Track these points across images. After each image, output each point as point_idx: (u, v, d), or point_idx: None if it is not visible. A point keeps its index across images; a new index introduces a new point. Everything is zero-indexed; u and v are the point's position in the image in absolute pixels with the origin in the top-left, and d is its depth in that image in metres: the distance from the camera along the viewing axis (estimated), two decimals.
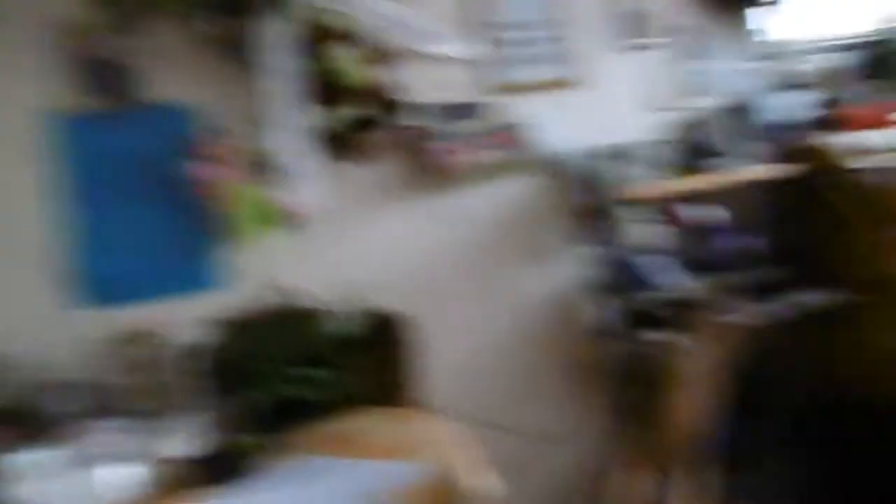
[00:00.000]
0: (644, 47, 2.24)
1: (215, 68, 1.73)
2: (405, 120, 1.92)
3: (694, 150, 2.07)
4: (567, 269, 2.09)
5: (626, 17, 2.23)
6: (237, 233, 1.70)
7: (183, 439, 1.24)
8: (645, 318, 1.88)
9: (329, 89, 1.80)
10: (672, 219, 1.94)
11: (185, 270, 1.72)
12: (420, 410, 1.52)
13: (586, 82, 2.17)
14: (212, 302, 1.64)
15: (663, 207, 1.97)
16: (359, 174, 1.91)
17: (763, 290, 2.00)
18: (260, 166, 1.72)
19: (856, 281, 1.95)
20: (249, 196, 1.69)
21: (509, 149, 1.99)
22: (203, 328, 1.55)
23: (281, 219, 1.73)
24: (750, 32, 2.35)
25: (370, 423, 1.39)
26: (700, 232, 1.99)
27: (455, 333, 1.92)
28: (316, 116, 1.77)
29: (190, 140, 1.67)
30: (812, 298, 1.98)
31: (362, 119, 1.86)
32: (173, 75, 1.70)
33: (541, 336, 2.06)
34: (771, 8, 2.26)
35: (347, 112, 1.83)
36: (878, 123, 2.13)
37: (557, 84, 2.15)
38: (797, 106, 2.28)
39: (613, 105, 2.19)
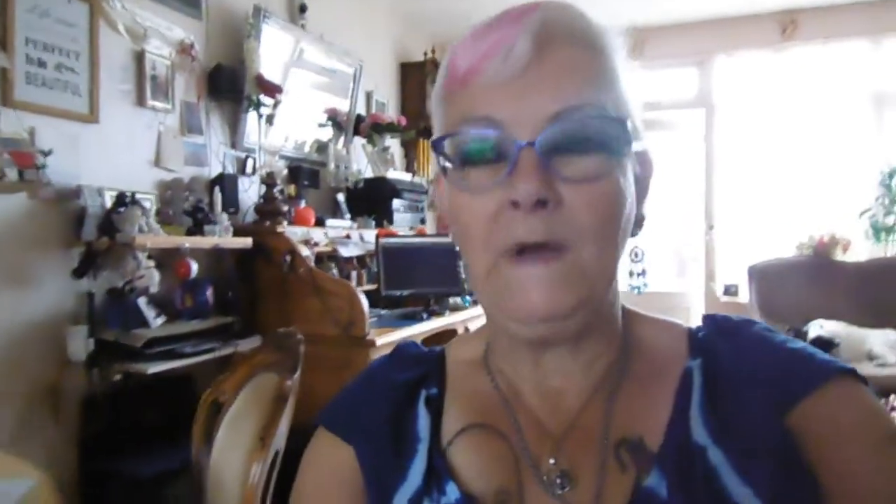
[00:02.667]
0: (156, 109, 2.51)
1: None
2: None
3: (189, 211, 2.45)
4: (56, 299, 2.10)
5: (145, 77, 2.46)
6: None
7: None
8: (129, 352, 2.10)
9: None
10: (177, 267, 2.25)
11: None
12: None
13: (103, 123, 2.28)
14: None
15: (172, 257, 2.26)
16: None
17: (214, 334, 2.50)
18: None
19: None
20: None
21: (15, 167, 1.92)
22: None
23: None
24: (239, 125, 2.92)
25: None
26: (191, 283, 2.36)
27: None
28: None
29: None
30: (247, 343, 2.59)
31: None
32: None
33: (15, 361, 1.99)
34: (259, 112, 2.89)
35: None
36: (309, 222, 3.00)
37: (76, 117, 2.19)
38: (259, 193, 2.96)
39: (125, 152, 2.37)
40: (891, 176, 4.27)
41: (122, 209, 2.13)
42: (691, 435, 0.48)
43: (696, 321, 0.57)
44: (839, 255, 4.27)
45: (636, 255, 0.56)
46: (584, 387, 0.52)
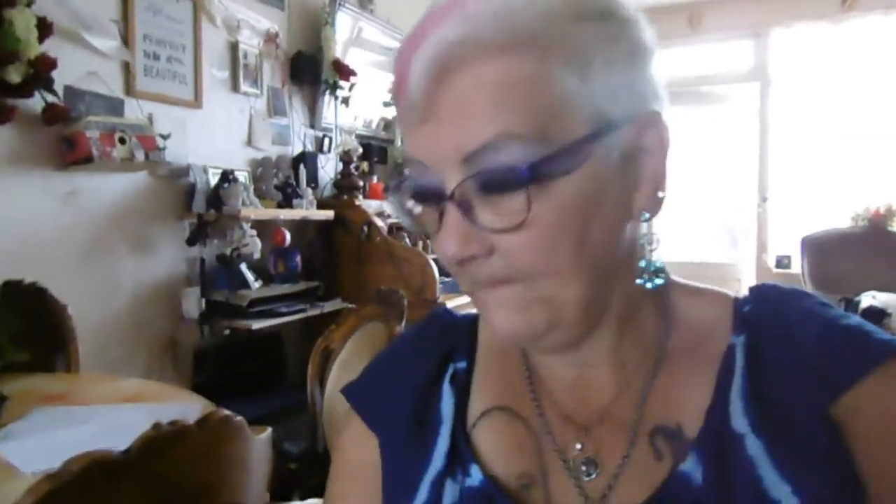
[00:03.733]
0: (248, 94, 2.79)
1: None
2: (49, 97, 1.95)
3: (279, 186, 2.72)
4: (172, 264, 2.42)
5: (238, 65, 2.73)
6: None
7: None
8: (235, 310, 2.41)
9: None
10: (274, 237, 2.54)
11: None
12: (76, 372, 1.67)
13: (205, 109, 2.56)
14: None
15: (266, 227, 2.55)
16: None
17: (303, 296, 2.79)
18: None
19: (357, 296, 2.95)
20: None
21: (142, 149, 2.21)
22: None
23: None
24: (317, 107, 3.17)
25: (68, 383, 1.50)
26: (282, 251, 2.65)
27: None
28: None
29: None
30: (328, 305, 2.87)
31: (9, 84, 1.82)
32: None
33: (141, 318, 2.31)
34: (335, 94, 3.14)
35: None
36: (381, 195, 3.25)
37: (183, 103, 2.47)
38: (335, 169, 3.22)
39: (223, 134, 2.66)
40: None
41: (226, 185, 2.41)
42: (730, 421, 0.45)
43: (746, 291, 0.52)
44: (895, 227, 4.30)
45: (650, 242, 0.48)
46: (614, 379, 0.50)
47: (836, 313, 0.47)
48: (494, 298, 0.45)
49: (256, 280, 2.55)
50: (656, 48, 0.46)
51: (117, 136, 2.09)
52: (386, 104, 3.78)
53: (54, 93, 1.95)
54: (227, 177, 2.44)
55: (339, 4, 3.16)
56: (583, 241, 0.43)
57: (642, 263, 0.48)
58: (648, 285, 0.47)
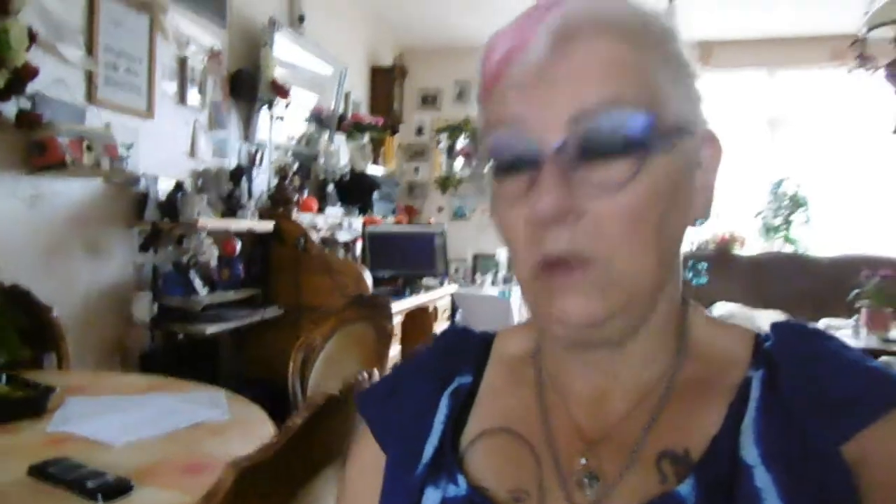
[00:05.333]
0: (193, 107, 2.88)
1: None
2: (21, 104, 2.00)
3: (224, 197, 2.84)
4: (123, 269, 2.47)
5: (186, 79, 2.83)
6: None
7: None
8: (186, 315, 2.50)
9: None
10: (225, 245, 2.65)
11: None
12: (67, 370, 1.74)
13: (156, 120, 2.64)
14: None
15: (216, 236, 2.65)
16: None
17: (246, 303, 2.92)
18: None
19: (293, 304, 3.12)
20: None
21: (107, 157, 2.27)
22: None
23: None
24: (252, 122, 3.31)
25: (73, 378, 1.59)
26: (227, 259, 2.77)
27: None
28: None
29: None
30: (267, 312, 3.02)
31: None
32: None
33: (92, 320, 2.35)
34: (270, 111, 3.30)
35: None
36: (313, 209, 3.43)
37: (137, 113, 2.54)
38: (267, 183, 3.36)
39: (170, 144, 2.74)
40: (778, 185, 5.19)
41: (180, 195, 2.51)
42: (739, 451, 0.45)
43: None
44: (737, 250, 5.15)
45: (698, 270, 0.68)
46: (632, 391, 0.50)
47: (858, 355, 0.47)
48: (564, 283, 0.45)
49: (203, 287, 2.65)
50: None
51: (85, 143, 2.15)
52: (307, 120, 3.98)
53: (30, 99, 2.00)
54: (180, 187, 2.54)
55: (277, 27, 3.33)
56: (661, 228, 0.45)
57: (691, 261, 0.66)
58: (694, 281, 0.68)
